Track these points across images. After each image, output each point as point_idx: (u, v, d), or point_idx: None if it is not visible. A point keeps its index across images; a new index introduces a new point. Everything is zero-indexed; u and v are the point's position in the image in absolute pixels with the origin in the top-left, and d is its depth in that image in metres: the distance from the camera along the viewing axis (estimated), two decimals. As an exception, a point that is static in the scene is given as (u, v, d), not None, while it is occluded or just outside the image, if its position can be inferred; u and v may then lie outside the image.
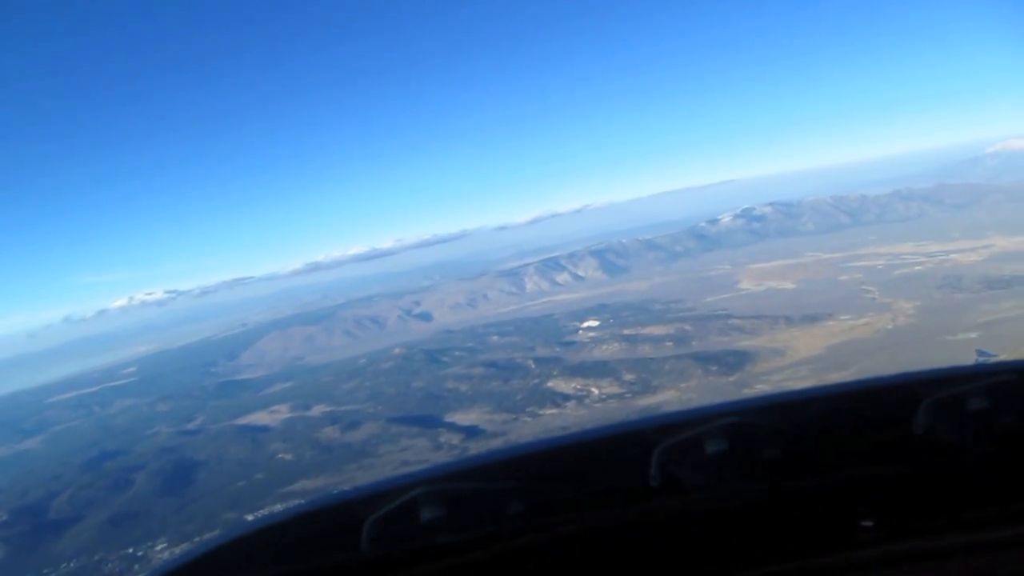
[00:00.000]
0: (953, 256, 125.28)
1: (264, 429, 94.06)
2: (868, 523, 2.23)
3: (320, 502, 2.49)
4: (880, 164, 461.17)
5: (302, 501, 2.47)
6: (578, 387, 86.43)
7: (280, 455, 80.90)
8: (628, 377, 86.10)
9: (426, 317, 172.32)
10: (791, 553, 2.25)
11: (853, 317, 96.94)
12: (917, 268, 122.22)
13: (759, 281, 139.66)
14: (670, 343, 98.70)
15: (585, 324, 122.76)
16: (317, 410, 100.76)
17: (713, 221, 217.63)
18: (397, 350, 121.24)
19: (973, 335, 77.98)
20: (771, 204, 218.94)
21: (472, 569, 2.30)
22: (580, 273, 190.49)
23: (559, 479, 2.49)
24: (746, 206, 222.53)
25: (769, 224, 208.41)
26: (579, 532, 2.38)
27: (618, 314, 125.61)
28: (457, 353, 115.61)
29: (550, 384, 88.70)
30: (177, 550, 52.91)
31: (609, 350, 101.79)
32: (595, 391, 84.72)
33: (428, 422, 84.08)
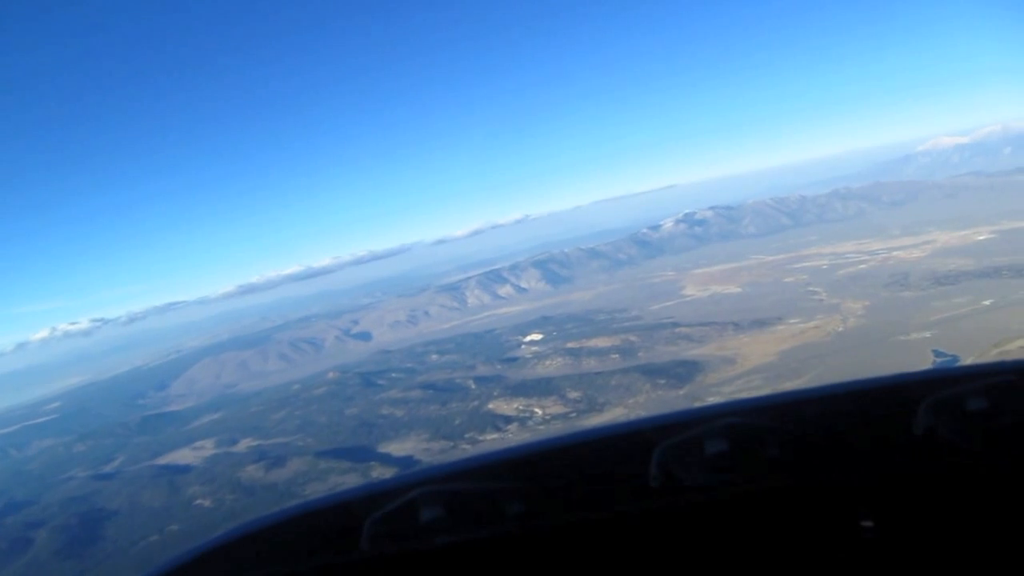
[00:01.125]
0: (896, 253, 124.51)
1: (185, 469, 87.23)
2: (868, 523, 2.23)
3: (320, 502, 2.45)
4: (817, 165, 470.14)
5: (301, 501, 2.44)
6: (520, 408, 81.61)
7: (198, 500, 74.08)
8: (573, 395, 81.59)
9: (365, 337, 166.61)
10: (791, 553, 2.26)
11: (802, 320, 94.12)
12: (861, 267, 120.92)
13: (704, 286, 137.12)
14: (616, 355, 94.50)
15: (528, 338, 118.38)
16: (244, 444, 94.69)
17: (655, 227, 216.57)
18: (331, 374, 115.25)
19: (927, 334, 75.44)
20: (712, 208, 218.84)
21: (472, 569, 2.31)
22: (523, 285, 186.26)
23: (559, 479, 2.48)
24: (687, 211, 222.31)
25: (711, 228, 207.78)
26: (579, 532, 2.38)
27: (562, 326, 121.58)
28: (394, 375, 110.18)
29: (491, 406, 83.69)
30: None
31: (553, 365, 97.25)
32: (538, 411, 79.98)
33: (360, 455, 78.30)
